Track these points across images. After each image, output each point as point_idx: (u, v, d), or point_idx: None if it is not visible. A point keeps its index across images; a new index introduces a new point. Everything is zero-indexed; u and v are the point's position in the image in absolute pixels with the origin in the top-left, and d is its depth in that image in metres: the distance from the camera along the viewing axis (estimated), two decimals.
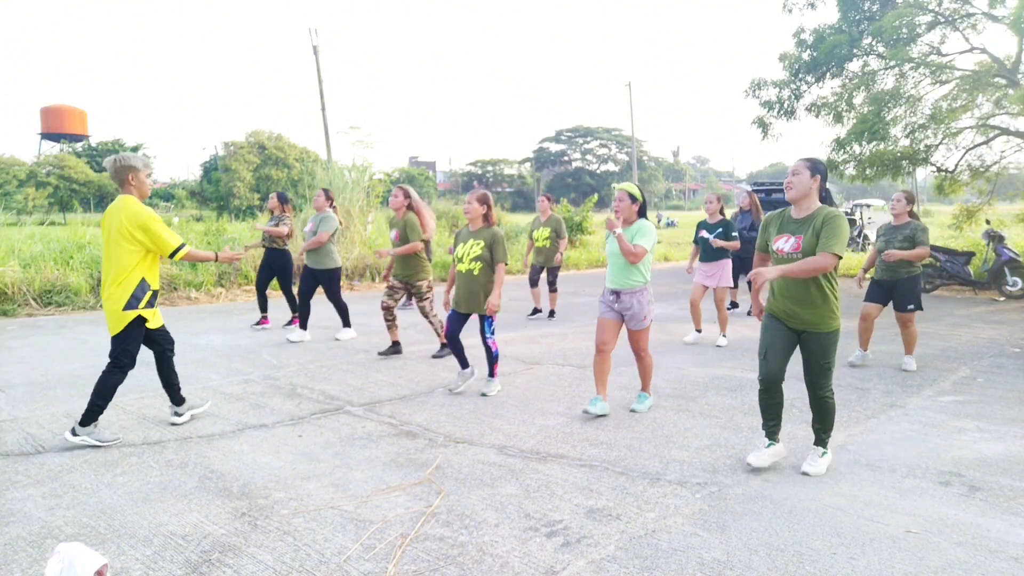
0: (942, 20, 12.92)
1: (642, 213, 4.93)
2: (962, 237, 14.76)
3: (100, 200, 50.63)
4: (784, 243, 3.75)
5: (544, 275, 9.69)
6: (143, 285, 4.40)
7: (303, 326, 7.94)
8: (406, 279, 6.81)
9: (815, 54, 13.76)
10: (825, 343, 3.75)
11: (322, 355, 7.14)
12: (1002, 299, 11.32)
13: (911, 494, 3.55)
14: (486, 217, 5.50)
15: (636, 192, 4.87)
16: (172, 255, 4.42)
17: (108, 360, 4.37)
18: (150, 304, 4.46)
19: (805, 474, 3.79)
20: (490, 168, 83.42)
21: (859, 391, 5.58)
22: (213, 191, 46.58)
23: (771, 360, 3.82)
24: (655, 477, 3.82)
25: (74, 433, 4.29)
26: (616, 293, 4.91)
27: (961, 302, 11.12)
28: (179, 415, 4.82)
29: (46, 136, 62.41)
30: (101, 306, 10.58)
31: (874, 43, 13.32)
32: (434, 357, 6.98)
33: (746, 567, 2.82)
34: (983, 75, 12.59)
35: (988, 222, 13.06)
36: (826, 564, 2.85)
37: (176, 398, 4.82)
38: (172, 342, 4.74)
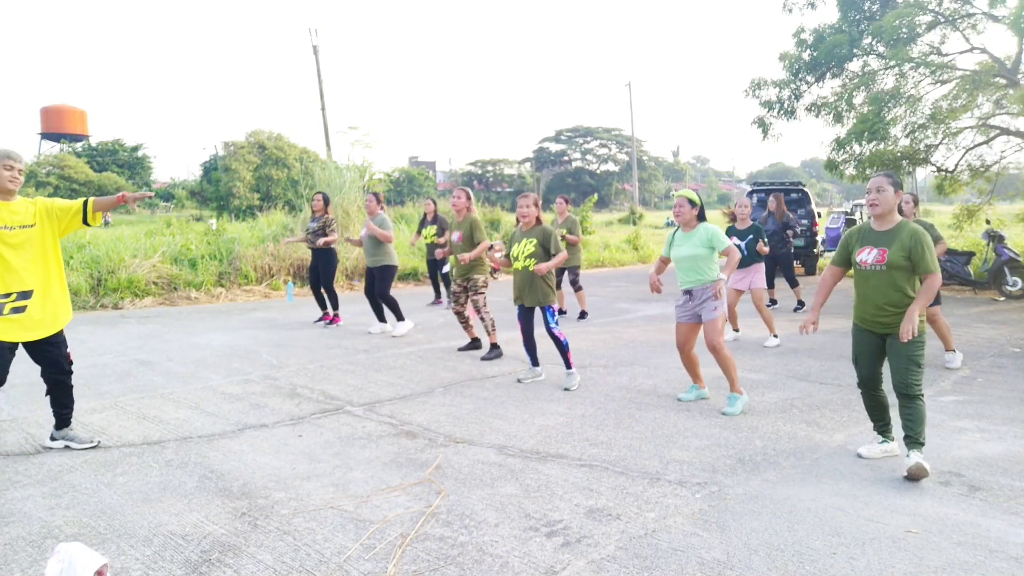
0: (942, 20, 12.92)
1: (701, 216, 5.22)
2: (962, 237, 14.76)
3: None
4: (867, 255, 3.89)
5: (565, 275, 9.72)
6: None
7: (399, 317, 8.27)
8: (465, 277, 6.95)
9: (815, 54, 13.76)
10: (915, 340, 3.80)
11: (322, 355, 7.14)
12: (1002, 299, 11.32)
13: (911, 494, 3.55)
14: (538, 218, 5.94)
15: (695, 197, 5.20)
16: None
17: None
18: None
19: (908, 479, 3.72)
20: (490, 168, 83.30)
21: (859, 391, 5.56)
22: (213, 191, 46.50)
23: (863, 365, 4.05)
24: (655, 477, 3.82)
25: None
26: (689, 292, 5.16)
27: (961, 302, 11.12)
28: None
29: (46, 136, 62.38)
30: (101, 306, 10.67)
31: (874, 43, 13.31)
32: (484, 359, 6.85)
33: (746, 567, 2.82)
34: (983, 75, 12.58)
35: (988, 222, 13.07)
36: (826, 564, 2.85)
37: None
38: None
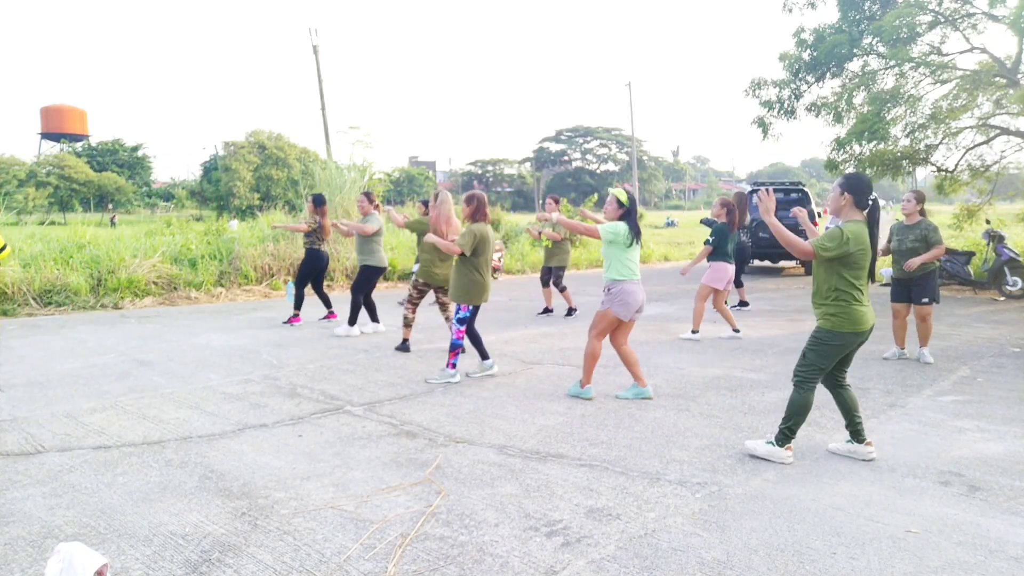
0: (942, 20, 12.92)
1: (624, 217, 5.19)
2: (962, 237, 14.76)
3: (100, 200, 50.68)
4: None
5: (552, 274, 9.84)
6: None
7: (374, 319, 8.49)
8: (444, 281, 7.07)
9: (815, 54, 13.76)
10: (814, 333, 4.04)
11: (322, 355, 7.14)
12: (1002, 299, 11.32)
13: (911, 494, 3.55)
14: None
15: (624, 198, 5.21)
16: None
17: None
18: None
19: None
20: (490, 168, 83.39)
21: (859, 391, 5.57)
22: (213, 191, 46.53)
23: None
24: (655, 477, 3.82)
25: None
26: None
27: (961, 302, 11.12)
28: None
29: (46, 136, 62.40)
30: (101, 305, 10.66)
31: (874, 43, 13.32)
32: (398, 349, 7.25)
33: (746, 567, 2.82)
34: (983, 75, 12.58)
35: (988, 222, 13.06)
36: (826, 564, 2.85)
37: None
38: None
